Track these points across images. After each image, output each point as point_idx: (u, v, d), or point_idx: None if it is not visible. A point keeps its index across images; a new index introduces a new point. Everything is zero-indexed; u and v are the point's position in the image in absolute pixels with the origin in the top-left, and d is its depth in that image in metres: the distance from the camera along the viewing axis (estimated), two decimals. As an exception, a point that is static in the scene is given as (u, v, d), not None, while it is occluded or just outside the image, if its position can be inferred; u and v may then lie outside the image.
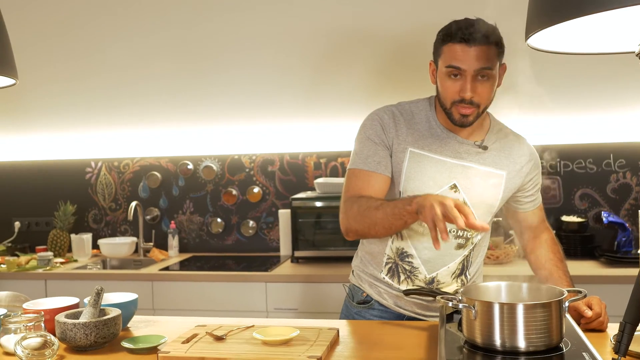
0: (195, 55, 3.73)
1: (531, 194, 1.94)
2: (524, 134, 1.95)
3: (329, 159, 3.70)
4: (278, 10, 3.59)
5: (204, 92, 3.76)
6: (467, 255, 1.86)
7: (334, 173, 3.69)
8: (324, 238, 3.39)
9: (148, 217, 3.90)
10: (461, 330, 1.42)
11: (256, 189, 3.77)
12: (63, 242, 3.79)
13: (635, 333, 1.32)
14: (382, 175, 1.80)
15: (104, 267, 3.69)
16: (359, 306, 1.96)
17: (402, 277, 1.86)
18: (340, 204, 1.82)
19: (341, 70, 3.59)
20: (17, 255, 3.70)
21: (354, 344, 1.63)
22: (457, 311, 1.52)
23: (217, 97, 3.75)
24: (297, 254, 3.38)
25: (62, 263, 3.56)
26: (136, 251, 3.84)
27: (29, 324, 1.60)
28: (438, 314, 1.84)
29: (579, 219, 3.33)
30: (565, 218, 3.34)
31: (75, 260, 3.67)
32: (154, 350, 1.57)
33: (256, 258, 3.60)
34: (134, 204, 3.70)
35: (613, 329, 1.67)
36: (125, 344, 1.60)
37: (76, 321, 1.59)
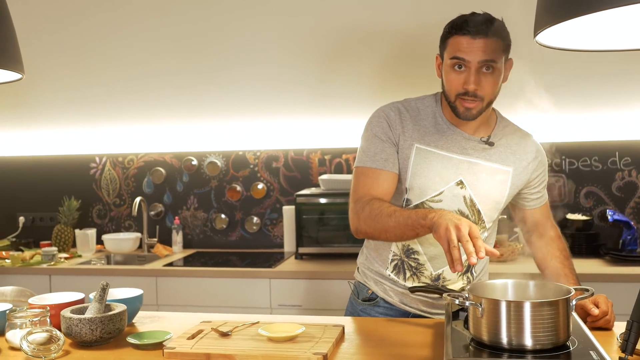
0: (200, 51, 3.72)
1: (537, 190, 1.94)
2: (530, 131, 1.95)
3: (333, 156, 3.69)
4: (283, 6, 3.59)
5: (209, 87, 3.76)
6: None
7: (339, 169, 3.69)
8: (328, 235, 3.39)
9: (152, 212, 3.90)
10: (467, 328, 1.42)
11: (260, 185, 3.77)
12: (67, 237, 3.79)
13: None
14: (390, 172, 1.80)
15: (108, 263, 3.70)
16: (364, 303, 1.95)
17: (408, 274, 1.86)
18: (350, 202, 1.81)
19: (346, 67, 3.59)
20: (22, 250, 3.70)
21: (359, 341, 1.63)
22: (463, 309, 1.52)
23: (222, 93, 3.75)
24: (301, 250, 3.38)
25: (66, 258, 3.57)
26: (140, 247, 3.84)
27: (34, 319, 1.61)
28: (443, 312, 1.84)
29: (584, 217, 3.32)
30: (570, 216, 3.34)
31: (80, 256, 3.67)
32: (159, 346, 1.57)
33: (260, 254, 3.60)
34: (138, 199, 3.70)
35: (619, 327, 1.67)
36: (131, 340, 1.60)
37: (82, 316, 1.59)
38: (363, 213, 1.73)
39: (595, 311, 1.63)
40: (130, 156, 3.95)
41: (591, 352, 1.28)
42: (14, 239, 3.95)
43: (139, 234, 3.83)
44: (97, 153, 3.98)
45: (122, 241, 3.76)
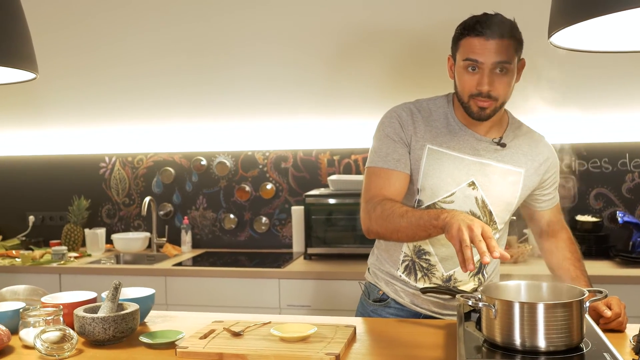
0: (210, 50, 3.73)
1: (549, 192, 1.93)
2: (542, 132, 1.94)
3: (342, 156, 3.70)
4: (293, 6, 3.59)
5: (218, 87, 3.77)
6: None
7: (348, 170, 3.69)
8: (337, 235, 3.39)
9: (161, 212, 3.91)
10: (480, 329, 1.42)
11: (269, 186, 3.78)
12: (77, 236, 3.81)
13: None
14: (402, 172, 1.80)
15: (118, 262, 3.71)
16: (375, 304, 1.96)
17: (419, 274, 1.86)
18: (361, 202, 1.81)
19: (355, 67, 3.59)
20: (32, 249, 3.72)
21: (371, 342, 1.63)
22: (475, 310, 1.52)
23: (231, 93, 3.76)
24: (310, 251, 3.38)
25: (76, 257, 3.58)
26: (149, 246, 3.85)
27: (47, 318, 1.62)
28: (454, 313, 1.83)
29: (594, 219, 3.31)
30: (580, 218, 3.33)
31: (89, 255, 3.69)
32: (172, 345, 1.58)
33: (269, 254, 3.60)
34: (147, 199, 3.72)
35: (631, 329, 1.66)
36: (144, 339, 1.60)
37: (95, 315, 1.59)
38: (375, 213, 1.73)
39: (608, 313, 1.63)
40: (140, 156, 3.96)
41: (605, 354, 1.27)
42: (24, 238, 3.97)
43: (148, 234, 3.84)
44: (107, 153, 4.00)
45: (132, 241, 3.77)
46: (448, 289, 1.73)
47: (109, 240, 3.87)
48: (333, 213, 3.41)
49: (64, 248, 3.51)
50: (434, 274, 1.84)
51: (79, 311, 1.64)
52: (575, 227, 3.29)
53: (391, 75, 3.55)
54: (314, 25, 3.59)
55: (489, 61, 1.68)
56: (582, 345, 1.33)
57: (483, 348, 1.36)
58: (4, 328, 1.60)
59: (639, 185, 3.37)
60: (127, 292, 1.86)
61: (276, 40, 3.65)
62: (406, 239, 1.74)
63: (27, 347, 1.62)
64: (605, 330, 1.60)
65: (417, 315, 1.89)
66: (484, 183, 1.79)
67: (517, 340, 1.30)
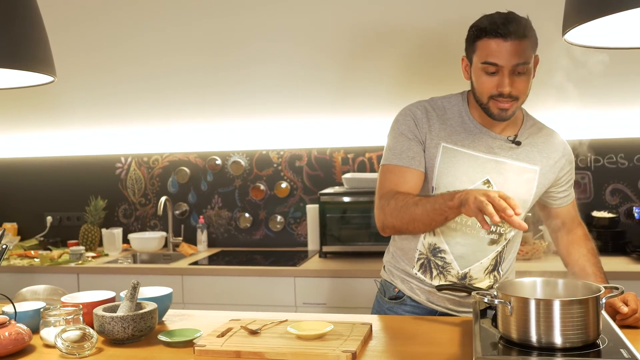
0: (224, 50, 3.75)
1: (564, 189, 1.93)
2: (556, 129, 1.94)
3: (356, 154, 3.70)
4: (307, 5, 3.60)
5: (232, 87, 3.78)
6: (500, 251, 1.85)
7: (362, 168, 3.69)
8: (352, 233, 3.40)
9: (177, 212, 3.94)
10: (496, 326, 1.42)
11: (284, 184, 3.79)
12: (94, 236, 3.85)
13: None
14: (417, 170, 1.80)
15: (135, 262, 3.74)
16: (390, 302, 1.96)
17: (435, 272, 1.86)
18: (375, 200, 1.82)
19: (369, 66, 3.59)
20: (50, 250, 3.77)
21: (387, 339, 1.64)
22: (491, 307, 1.53)
23: (245, 92, 3.77)
24: (325, 249, 3.39)
25: (93, 257, 3.62)
26: (165, 246, 3.88)
27: (68, 317, 1.64)
28: (470, 310, 1.84)
29: (610, 215, 3.29)
30: (596, 214, 3.31)
31: (106, 255, 3.72)
32: (190, 343, 1.59)
33: (284, 253, 3.62)
34: (163, 199, 3.75)
35: (648, 325, 1.66)
36: (162, 337, 1.62)
37: (114, 314, 1.62)
38: (389, 207, 1.74)
39: (625, 309, 1.62)
40: (155, 156, 3.99)
41: (622, 350, 1.27)
42: (42, 239, 4.02)
43: (164, 233, 3.87)
44: (123, 153, 4.03)
45: (148, 240, 3.80)
46: (464, 287, 1.73)
47: (125, 240, 3.90)
48: (348, 211, 3.41)
49: (81, 248, 3.55)
50: (450, 272, 1.85)
51: (99, 310, 1.66)
52: (592, 223, 3.27)
53: (404, 74, 3.55)
54: (327, 24, 3.60)
55: (509, 64, 1.67)
56: (599, 341, 1.33)
57: (499, 345, 1.36)
58: (25, 327, 1.62)
59: (655, 181, 3.35)
60: (145, 292, 1.88)
61: (290, 40, 3.66)
62: (423, 227, 1.73)
63: (48, 346, 1.64)
64: (622, 327, 1.60)
65: (433, 312, 1.90)
66: (499, 181, 1.79)
67: (534, 337, 1.30)
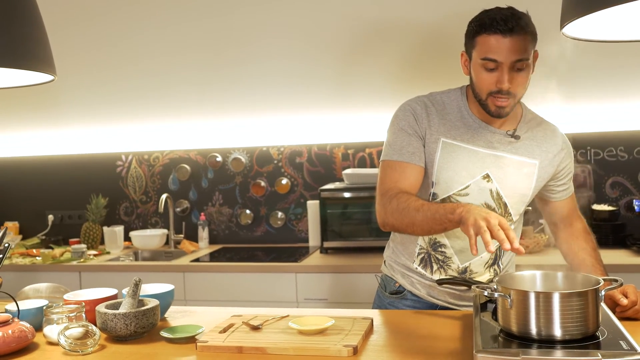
0: (224, 47, 3.75)
1: (563, 182, 1.94)
2: (556, 123, 1.94)
3: (356, 150, 3.71)
4: (306, 1, 3.60)
5: (232, 84, 3.79)
6: (500, 245, 1.86)
7: (362, 164, 3.70)
8: (353, 229, 3.40)
9: (178, 209, 3.95)
10: (496, 319, 1.43)
11: (284, 181, 3.80)
12: (95, 234, 3.85)
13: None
14: (417, 165, 1.81)
15: (136, 259, 3.75)
16: (391, 296, 1.97)
17: (435, 267, 1.87)
18: (377, 196, 1.83)
19: (369, 61, 3.59)
20: (52, 248, 3.77)
21: (388, 334, 1.64)
22: (491, 300, 1.53)
23: (245, 89, 3.78)
24: (326, 244, 3.40)
25: (95, 255, 3.62)
26: (167, 243, 3.89)
27: (70, 315, 1.65)
28: (470, 304, 1.85)
29: (610, 208, 3.29)
30: (596, 207, 3.31)
31: (108, 252, 3.73)
32: (192, 339, 1.60)
33: (285, 249, 3.63)
34: (164, 196, 3.75)
35: (648, 317, 1.67)
36: (164, 334, 1.63)
37: (116, 312, 1.62)
38: (390, 206, 1.74)
39: (624, 301, 1.63)
40: (156, 154, 4.00)
41: (621, 342, 1.28)
42: (43, 237, 4.03)
43: (165, 231, 3.88)
44: (123, 151, 4.04)
45: (149, 238, 3.81)
46: (464, 280, 1.74)
47: (127, 238, 3.91)
48: (348, 207, 3.42)
49: (83, 246, 3.56)
50: (450, 266, 1.86)
51: (101, 308, 1.67)
52: (592, 216, 3.28)
53: (404, 69, 3.55)
54: (326, 20, 3.60)
55: (508, 60, 1.67)
56: (598, 333, 1.33)
57: (499, 338, 1.37)
58: (28, 325, 1.63)
59: (655, 174, 3.36)
60: (146, 289, 1.89)
61: (290, 36, 3.66)
62: (421, 233, 1.76)
63: (51, 343, 1.65)
64: (621, 319, 1.60)
65: (434, 306, 1.91)
66: (499, 175, 1.80)
67: (533, 330, 1.31)
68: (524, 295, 1.33)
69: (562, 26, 1.33)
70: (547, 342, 1.30)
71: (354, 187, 3.38)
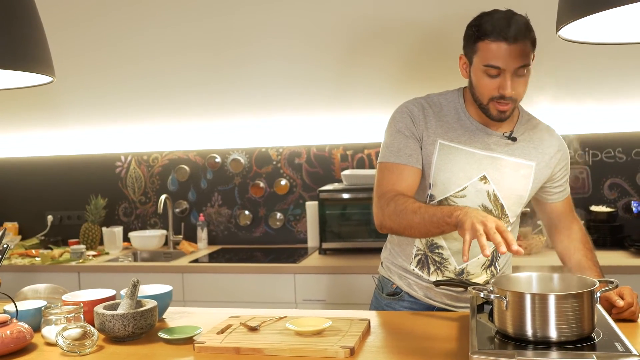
0: (223, 48, 3.76)
1: (560, 184, 1.94)
2: (553, 124, 1.95)
3: (355, 151, 3.71)
4: (305, 2, 3.60)
5: (231, 85, 3.80)
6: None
7: (361, 165, 3.71)
8: (351, 230, 3.41)
9: (177, 210, 3.96)
10: (492, 321, 1.44)
11: (283, 182, 3.81)
12: (94, 235, 3.86)
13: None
14: (414, 167, 1.82)
15: (135, 260, 3.75)
16: (388, 298, 1.98)
17: (432, 268, 1.88)
18: (374, 197, 1.83)
19: (367, 62, 3.60)
20: (51, 249, 3.78)
21: (385, 335, 1.65)
22: (488, 302, 1.54)
23: (244, 90, 3.78)
24: (325, 245, 3.40)
25: (94, 256, 3.63)
26: (166, 244, 3.89)
27: (69, 315, 1.66)
28: (468, 305, 1.85)
29: (608, 209, 3.30)
30: (594, 208, 3.32)
31: (107, 253, 3.74)
32: (190, 340, 1.61)
33: (284, 250, 3.63)
34: (163, 197, 3.76)
35: (644, 319, 1.68)
36: (162, 335, 1.64)
37: (114, 312, 1.63)
38: (388, 209, 1.75)
39: (620, 303, 1.63)
40: (155, 154, 4.01)
41: (616, 343, 1.29)
42: (43, 238, 4.04)
43: (164, 231, 3.88)
44: (123, 152, 4.05)
45: (148, 238, 3.82)
46: (461, 282, 1.75)
47: (126, 239, 3.92)
48: (347, 208, 3.43)
49: (82, 247, 3.56)
50: (447, 267, 1.86)
51: (99, 308, 1.68)
52: (590, 218, 3.29)
53: (403, 70, 3.56)
54: (324, 20, 3.60)
55: (512, 67, 1.68)
56: (594, 335, 1.34)
57: (495, 339, 1.38)
58: (26, 326, 1.64)
59: (653, 175, 3.36)
60: (145, 289, 1.89)
61: (289, 37, 3.67)
62: (419, 235, 1.76)
63: (49, 344, 1.66)
64: (617, 320, 1.61)
65: (431, 308, 1.91)
66: (496, 177, 1.81)
67: (529, 331, 1.32)
68: (520, 296, 1.34)
69: (558, 29, 1.34)
70: (542, 344, 1.31)
71: (353, 188, 3.38)
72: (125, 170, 4.05)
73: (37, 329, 1.72)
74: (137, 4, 3.82)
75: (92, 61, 3.94)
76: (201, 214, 3.87)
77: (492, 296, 1.38)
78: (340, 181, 3.63)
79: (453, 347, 1.51)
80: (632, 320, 1.66)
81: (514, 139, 1.83)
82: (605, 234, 3.23)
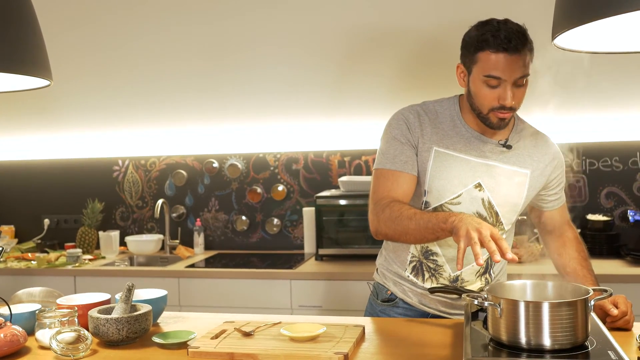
0: (221, 53, 3.76)
1: (555, 192, 1.95)
2: (548, 132, 1.95)
3: (353, 157, 3.72)
4: (301, 7, 3.61)
5: (229, 90, 3.80)
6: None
7: (358, 171, 3.71)
8: (348, 236, 3.41)
9: (174, 214, 3.96)
10: (486, 328, 1.44)
11: (281, 187, 3.81)
12: (91, 239, 3.85)
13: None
14: (409, 174, 1.82)
15: (131, 264, 3.75)
16: (383, 304, 1.98)
17: (427, 275, 1.88)
18: (369, 204, 1.83)
19: (365, 69, 3.61)
20: (47, 252, 3.77)
21: (379, 341, 1.65)
22: (482, 309, 1.54)
23: (242, 95, 3.79)
24: (321, 251, 3.40)
25: (90, 260, 3.63)
26: (162, 248, 3.89)
27: (63, 319, 1.66)
28: (462, 312, 1.85)
29: (605, 218, 3.30)
30: (590, 217, 3.32)
31: (103, 257, 3.73)
32: (183, 345, 1.61)
33: (280, 256, 3.63)
34: (160, 201, 3.76)
35: (638, 328, 1.68)
36: (156, 339, 1.64)
37: (109, 316, 1.63)
38: (383, 215, 1.75)
39: (615, 311, 1.64)
40: (152, 159, 4.01)
41: (609, 352, 1.29)
42: (39, 241, 4.03)
43: (161, 236, 3.88)
44: (120, 156, 4.05)
45: (145, 243, 3.81)
46: (456, 289, 1.75)
47: (122, 243, 3.91)
48: (344, 214, 3.43)
49: (78, 250, 3.56)
50: (442, 274, 1.86)
51: (93, 312, 1.68)
52: (586, 226, 3.29)
53: (401, 76, 3.56)
54: (323, 27, 3.61)
55: (512, 78, 1.68)
56: (587, 343, 1.34)
57: (489, 347, 1.38)
58: (20, 329, 1.64)
59: (650, 184, 3.37)
60: (140, 294, 1.89)
61: (286, 43, 3.68)
62: (414, 241, 1.77)
63: (43, 347, 1.65)
64: (612, 329, 1.61)
65: (425, 314, 1.91)
66: (490, 184, 1.81)
67: (523, 339, 1.32)
68: (514, 304, 1.34)
69: (553, 37, 1.34)
70: (536, 352, 1.31)
71: (350, 195, 3.38)
72: (123, 175, 4.05)
73: (31, 332, 1.72)
74: (136, 9, 3.82)
75: (90, 65, 3.94)
76: (198, 219, 3.87)
77: (486, 303, 1.38)
78: (337, 187, 3.63)
79: (447, 354, 1.51)
80: (626, 329, 1.66)
81: (509, 147, 1.84)
82: (602, 242, 3.23)
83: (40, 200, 4.17)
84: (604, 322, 1.62)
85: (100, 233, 3.79)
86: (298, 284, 3.16)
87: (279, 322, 1.74)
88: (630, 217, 3.25)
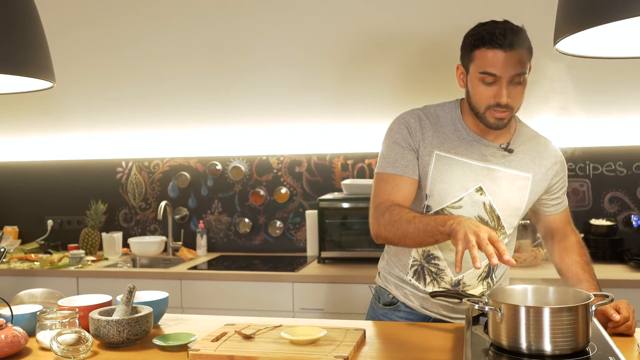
0: (225, 56, 3.77)
1: (557, 196, 1.94)
2: (550, 136, 1.95)
3: (356, 160, 3.72)
4: (305, 10, 3.62)
5: (233, 93, 3.80)
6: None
7: (361, 174, 3.71)
8: (351, 239, 3.41)
9: (177, 216, 3.96)
10: (487, 333, 1.43)
11: (284, 190, 3.81)
12: (94, 240, 3.86)
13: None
14: (410, 178, 1.82)
15: (134, 266, 3.76)
16: (385, 308, 1.97)
17: (428, 279, 1.88)
18: (370, 208, 1.83)
19: (369, 72, 3.61)
20: (50, 253, 3.78)
21: (380, 345, 1.65)
22: (483, 314, 1.54)
23: (246, 98, 3.79)
24: (324, 254, 3.40)
25: (93, 261, 3.63)
26: (165, 250, 3.89)
27: (64, 321, 1.66)
28: (464, 316, 1.85)
29: (608, 223, 3.29)
30: (594, 221, 3.31)
31: (106, 259, 3.74)
32: (184, 347, 1.61)
33: (283, 258, 3.63)
34: (163, 203, 3.76)
35: (640, 333, 1.67)
36: (157, 341, 1.64)
37: (109, 318, 1.63)
38: (383, 219, 1.75)
39: (617, 317, 1.63)
40: (156, 161, 4.01)
41: (610, 357, 1.29)
42: (42, 242, 4.04)
43: (164, 238, 3.88)
44: (124, 158, 4.06)
45: (148, 244, 3.82)
46: (457, 293, 1.75)
47: (125, 244, 3.92)
48: (347, 217, 3.43)
49: (81, 252, 3.56)
50: (443, 278, 1.86)
51: (94, 314, 1.68)
52: (590, 231, 3.28)
53: (404, 80, 3.56)
54: (327, 30, 3.61)
55: (507, 74, 1.69)
56: (588, 349, 1.34)
57: (490, 351, 1.37)
58: (21, 330, 1.64)
59: (653, 189, 3.36)
60: (141, 296, 1.89)
61: (290, 46, 3.68)
62: (414, 245, 1.76)
63: (43, 349, 1.66)
64: (614, 334, 1.61)
65: (427, 318, 1.91)
66: (492, 188, 1.81)
67: (523, 344, 1.32)
68: (515, 309, 1.33)
69: (555, 42, 1.34)
70: (536, 357, 1.30)
71: (353, 198, 3.38)
72: (126, 176, 4.06)
73: (32, 333, 1.72)
74: (139, 11, 3.83)
75: (94, 67, 3.95)
76: (201, 221, 3.87)
77: (487, 308, 1.38)
78: (340, 190, 3.63)
79: (447, 358, 1.51)
80: (628, 334, 1.65)
81: (511, 151, 1.83)
82: (605, 247, 3.22)
83: (44, 201, 4.18)
84: (606, 328, 1.61)
85: (103, 234, 3.80)
86: (300, 287, 3.16)
87: (280, 325, 1.74)
88: (634, 222, 3.24)
